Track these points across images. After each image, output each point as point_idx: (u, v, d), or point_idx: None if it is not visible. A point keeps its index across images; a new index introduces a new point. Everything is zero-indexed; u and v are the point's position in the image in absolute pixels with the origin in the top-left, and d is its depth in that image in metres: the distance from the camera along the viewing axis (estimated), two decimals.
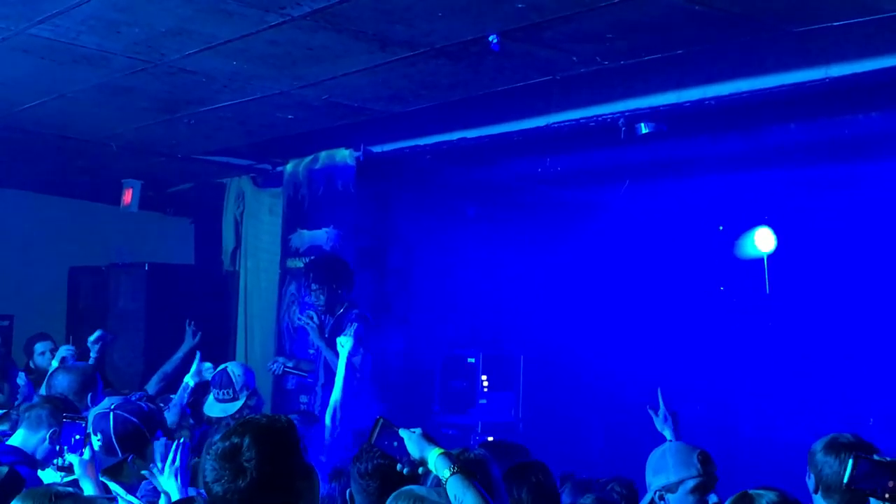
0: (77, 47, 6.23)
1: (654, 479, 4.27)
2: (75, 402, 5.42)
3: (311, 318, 7.98)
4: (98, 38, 6.04)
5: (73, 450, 4.38)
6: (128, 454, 4.62)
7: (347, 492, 3.82)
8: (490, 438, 8.15)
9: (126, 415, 4.70)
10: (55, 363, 6.85)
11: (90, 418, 4.73)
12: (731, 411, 10.78)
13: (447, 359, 9.72)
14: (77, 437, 4.39)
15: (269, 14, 5.50)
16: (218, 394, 6.53)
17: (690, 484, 4.18)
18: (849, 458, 3.33)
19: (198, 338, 8.37)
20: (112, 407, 4.77)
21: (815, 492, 4.06)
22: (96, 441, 4.58)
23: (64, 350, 7.18)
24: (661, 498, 4.21)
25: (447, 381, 9.68)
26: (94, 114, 8.07)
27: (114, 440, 4.62)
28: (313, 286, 8.04)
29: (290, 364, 8.53)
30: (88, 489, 4.22)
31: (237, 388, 6.50)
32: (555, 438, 9.22)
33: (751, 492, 3.48)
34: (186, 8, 5.47)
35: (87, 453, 4.35)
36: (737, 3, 5.23)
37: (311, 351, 8.45)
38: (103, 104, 7.73)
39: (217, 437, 3.08)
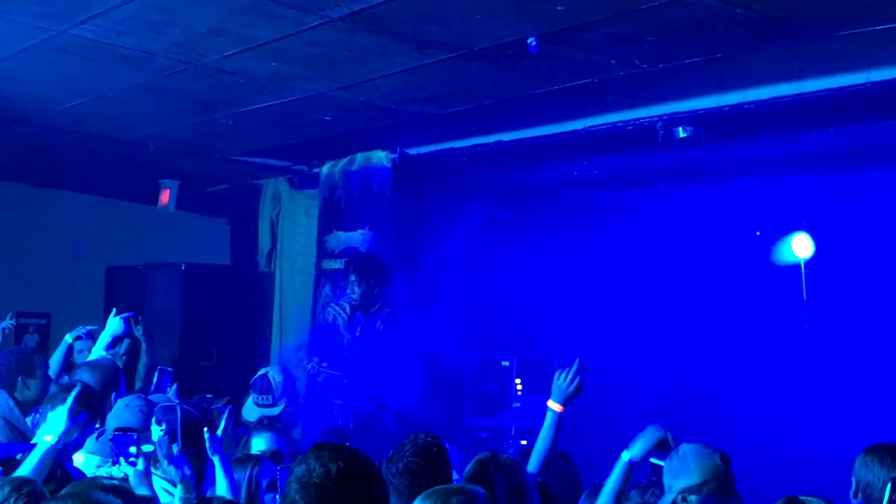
0: (117, 48, 6.28)
1: (675, 482, 4.27)
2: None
3: (344, 309, 7.98)
4: (138, 38, 6.09)
5: (128, 462, 4.41)
6: (187, 449, 4.67)
7: None
8: (524, 442, 8.10)
9: (192, 410, 4.80)
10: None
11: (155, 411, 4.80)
12: (765, 419, 10.68)
13: (481, 362, 9.67)
14: (132, 448, 4.42)
15: (308, 15, 5.52)
16: (257, 398, 6.57)
17: (713, 485, 4.19)
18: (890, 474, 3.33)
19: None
20: (178, 401, 4.92)
21: (855, 497, 4.11)
22: (158, 431, 4.63)
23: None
24: (684, 500, 4.22)
25: (480, 384, 9.62)
26: (132, 114, 8.13)
27: (179, 433, 4.68)
28: (351, 277, 8.03)
29: (324, 364, 8.54)
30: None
31: (276, 395, 6.54)
32: (588, 442, 9.15)
33: (799, 497, 3.50)
34: (226, 9, 5.51)
35: (140, 464, 4.40)
36: (777, 6, 5.19)
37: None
38: (142, 104, 7.78)
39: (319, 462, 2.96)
